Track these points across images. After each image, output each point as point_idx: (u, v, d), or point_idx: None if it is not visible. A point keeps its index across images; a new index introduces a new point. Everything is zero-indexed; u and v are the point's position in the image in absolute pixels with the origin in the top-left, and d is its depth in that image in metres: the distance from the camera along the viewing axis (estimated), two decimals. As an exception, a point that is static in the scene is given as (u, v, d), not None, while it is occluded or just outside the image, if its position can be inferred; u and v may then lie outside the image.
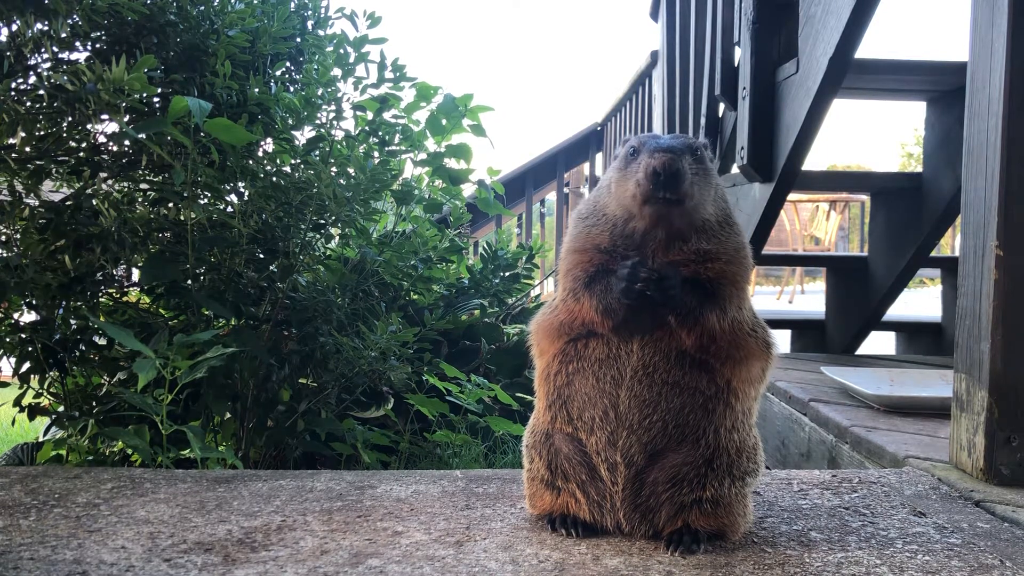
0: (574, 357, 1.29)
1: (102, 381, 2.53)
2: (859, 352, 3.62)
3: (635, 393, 1.23)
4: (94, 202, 2.28)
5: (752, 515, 1.35)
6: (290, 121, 2.48)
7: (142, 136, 2.18)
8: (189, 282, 2.45)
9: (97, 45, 2.33)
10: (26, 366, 2.39)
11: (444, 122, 3.02)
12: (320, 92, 2.49)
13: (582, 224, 1.29)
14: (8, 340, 2.37)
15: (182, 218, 2.41)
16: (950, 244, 8.41)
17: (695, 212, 1.19)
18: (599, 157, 6.89)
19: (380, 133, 2.70)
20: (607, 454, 1.26)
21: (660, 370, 1.23)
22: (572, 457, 1.31)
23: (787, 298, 8.78)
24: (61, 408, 2.47)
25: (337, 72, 2.59)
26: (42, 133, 2.31)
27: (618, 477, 1.26)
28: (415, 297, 3.16)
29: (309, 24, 2.65)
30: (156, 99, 2.43)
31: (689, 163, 1.16)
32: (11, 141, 2.27)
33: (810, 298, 8.58)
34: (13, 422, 3.41)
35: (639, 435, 1.24)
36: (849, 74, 2.48)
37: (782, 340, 4.06)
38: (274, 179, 2.48)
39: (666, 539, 1.26)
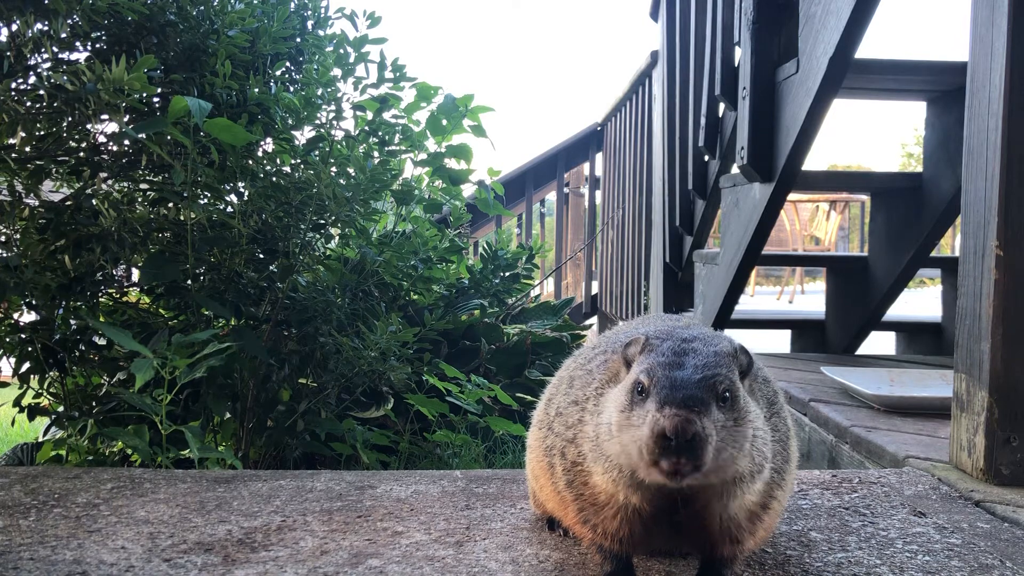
0: None
1: (102, 381, 2.53)
2: (859, 352, 3.62)
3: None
4: (94, 202, 2.28)
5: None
6: (290, 121, 2.48)
7: (142, 136, 2.18)
8: (189, 282, 2.45)
9: (97, 45, 2.33)
10: (26, 366, 2.40)
11: (444, 122, 3.02)
12: (320, 92, 2.49)
13: (582, 467, 1.04)
14: (8, 340, 2.37)
15: (182, 218, 2.41)
16: (950, 244, 8.41)
17: (720, 473, 0.91)
18: (599, 157, 6.89)
19: (380, 133, 2.70)
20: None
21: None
22: None
23: (787, 298, 8.78)
24: (61, 408, 2.47)
25: (337, 72, 2.59)
26: (42, 133, 2.31)
27: None
28: (415, 297, 3.16)
29: (309, 24, 2.65)
30: (156, 99, 2.43)
31: (714, 415, 0.88)
32: (11, 141, 2.27)
33: (810, 298, 8.58)
34: (13, 422, 3.41)
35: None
36: (849, 74, 2.47)
37: (782, 340, 4.06)
38: (274, 179, 2.48)
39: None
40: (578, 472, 1.04)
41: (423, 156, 3.05)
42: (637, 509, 1.00)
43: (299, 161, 2.55)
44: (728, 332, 3.38)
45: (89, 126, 2.33)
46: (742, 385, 0.96)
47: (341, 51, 2.60)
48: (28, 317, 2.44)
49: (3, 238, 2.36)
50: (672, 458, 0.85)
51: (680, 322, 1.21)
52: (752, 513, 1.01)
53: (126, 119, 2.12)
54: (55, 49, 2.25)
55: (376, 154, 2.70)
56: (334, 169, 2.52)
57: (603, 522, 1.03)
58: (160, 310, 2.62)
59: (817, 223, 9.12)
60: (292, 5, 2.57)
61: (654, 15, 4.38)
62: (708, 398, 0.88)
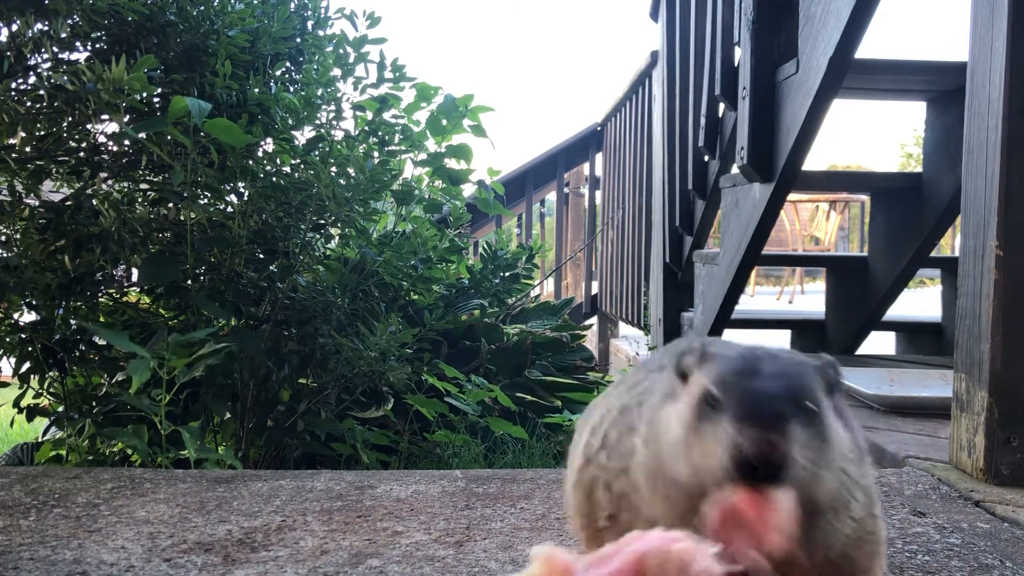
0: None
1: (102, 381, 2.53)
2: (859, 352, 3.62)
3: None
4: (94, 202, 2.28)
5: None
6: (290, 121, 2.48)
7: (142, 136, 2.18)
8: (189, 282, 2.45)
9: (97, 45, 2.33)
10: (26, 366, 2.39)
11: (444, 122, 3.02)
12: (320, 92, 2.49)
13: (637, 494, 0.88)
14: (8, 340, 2.37)
15: (182, 218, 2.41)
16: (950, 244, 8.41)
17: (803, 501, 0.76)
18: (599, 157, 6.89)
19: (380, 133, 2.70)
20: None
21: None
22: None
23: (787, 298, 8.78)
24: (61, 408, 2.47)
25: (337, 72, 2.59)
26: (42, 133, 2.31)
27: None
28: (415, 297, 3.16)
29: (309, 24, 2.65)
30: (156, 99, 2.43)
31: (798, 433, 0.74)
32: (11, 141, 2.27)
33: (810, 298, 8.58)
34: (12, 422, 3.41)
35: None
36: (849, 74, 2.47)
37: (782, 340, 4.06)
38: (274, 179, 2.48)
39: None
40: (627, 505, 0.89)
41: (423, 156, 3.05)
42: None
43: (299, 161, 2.55)
44: (728, 332, 3.38)
45: (89, 126, 2.33)
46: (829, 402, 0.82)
47: (341, 51, 2.60)
48: (28, 317, 2.44)
49: (3, 238, 2.36)
50: (751, 484, 0.73)
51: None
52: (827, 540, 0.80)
53: (126, 119, 2.12)
54: (55, 49, 2.25)
55: (376, 154, 2.70)
56: (334, 169, 2.52)
57: None
58: (160, 310, 2.62)
59: (817, 223, 9.12)
60: (292, 5, 2.57)
61: (654, 15, 4.38)
62: (792, 415, 0.75)
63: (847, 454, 0.81)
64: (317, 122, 2.55)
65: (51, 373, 2.44)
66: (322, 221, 2.62)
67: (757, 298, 8.91)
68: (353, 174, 2.50)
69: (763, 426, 0.73)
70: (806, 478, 0.75)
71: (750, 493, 0.72)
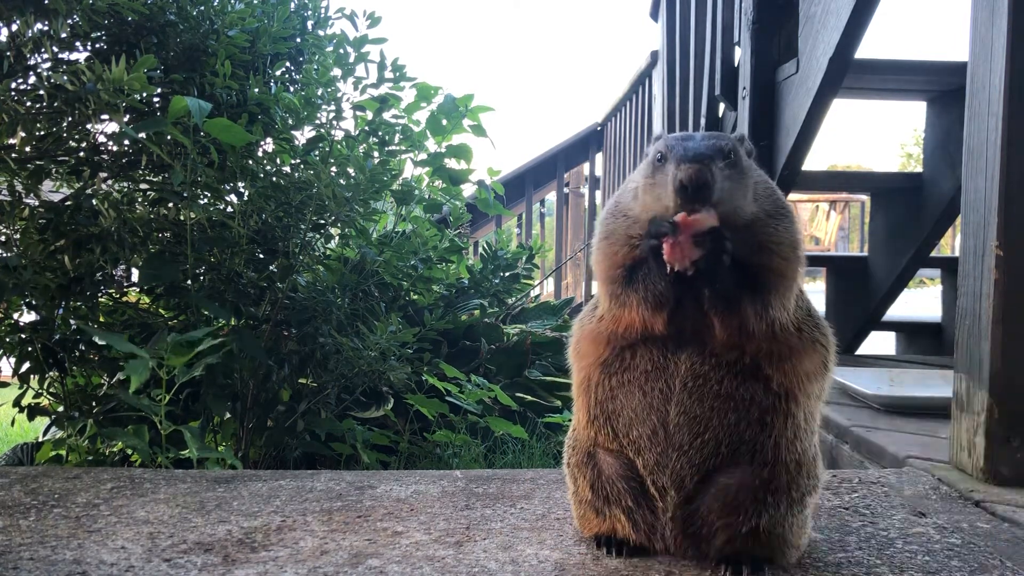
0: (619, 368, 1.19)
1: (102, 381, 2.53)
2: (859, 352, 3.62)
3: (685, 408, 1.14)
4: (94, 202, 2.28)
5: (807, 539, 1.23)
6: (290, 121, 2.48)
7: (142, 136, 2.18)
8: (189, 282, 2.45)
9: (97, 45, 2.33)
10: (26, 366, 2.39)
11: (444, 122, 3.02)
12: (320, 92, 2.49)
13: (610, 224, 1.21)
14: (8, 340, 2.37)
15: (182, 218, 2.41)
16: (950, 244, 8.41)
17: (730, 217, 1.10)
18: (599, 157, 6.89)
19: (380, 133, 2.70)
20: (655, 477, 1.17)
21: (712, 381, 1.14)
22: (617, 480, 1.22)
23: (787, 298, 8.76)
24: (61, 408, 2.47)
25: (337, 72, 2.59)
26: (42, 133, 2.31)
27: (668, 504, 1.18)
28: (415, 297, 3.16)
29: (309, 24, 2.65)
30: (156, 99, 2.43)
31: (720, 168, 1.08)
32: (11, 141, 2.27)
33: (810, 298, 8.56)
34: (13, 422, 3.41)
35: (690, 456, 1.15)
36: (849, 74, 2.48)
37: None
38: (274, 179, 2.48)
39: (721, 559, 1.17)
40: (629, 238, 1.19)
41: (423, 156, 3.04)
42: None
43: (299, 161, 2.55)
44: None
45: (89, 126, 2.33)
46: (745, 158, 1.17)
47: (341, 51, 2.60)
48: (28, 317, 2.44)
49: (3, 238, 2.36)
50: (688, 204, 1.06)
51: None
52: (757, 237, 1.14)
53: (126, 119, 2.12)
54: (55, 49, 2.25)
55: (376, 154, 2.70)
56: (334, 169, 2.52)
57: (637, 287, 1.15)
58: (160, 310, 2.62)
59: (817, 223, 9.12)
60: (292, 5, 2.57)
61: (654, 15, 4.38)
62: (715, 156, 1.09)
63: (761, 183, 1.17)
64: (317, 122, 2.55)
65: (51, 373, 2.44)
66: (322, 221, 2.61)
67: (757, 298, 8.89)
68: (353, 174, 2.50)
69: (694, 162, 1.06)
70: (727, 198, 1.09)
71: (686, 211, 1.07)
